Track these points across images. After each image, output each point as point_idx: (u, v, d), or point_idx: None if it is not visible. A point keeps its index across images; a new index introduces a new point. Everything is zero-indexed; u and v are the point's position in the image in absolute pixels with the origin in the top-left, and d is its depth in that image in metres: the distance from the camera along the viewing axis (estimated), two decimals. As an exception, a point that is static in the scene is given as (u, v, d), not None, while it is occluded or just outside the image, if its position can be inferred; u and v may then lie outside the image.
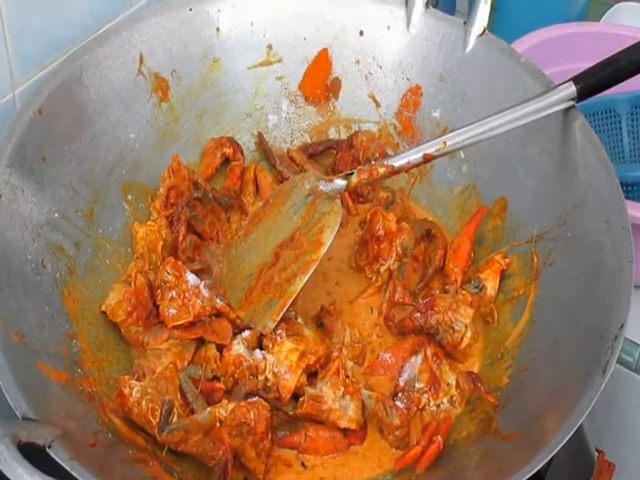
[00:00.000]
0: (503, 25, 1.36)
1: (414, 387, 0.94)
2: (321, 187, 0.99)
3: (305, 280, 0.95)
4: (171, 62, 1.09)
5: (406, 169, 0.98)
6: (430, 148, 0.96)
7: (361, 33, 1.15)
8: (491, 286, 1.01)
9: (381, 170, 0.97)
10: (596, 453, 1.06)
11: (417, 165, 0.98)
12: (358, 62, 1.16)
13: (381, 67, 1.15)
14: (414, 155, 0.97)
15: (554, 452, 0.75)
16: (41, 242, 0.91)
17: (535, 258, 0.98)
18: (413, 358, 0.95)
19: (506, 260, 1.02)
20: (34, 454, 0.68)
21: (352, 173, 0.98)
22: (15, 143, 0.91)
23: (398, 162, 0.97)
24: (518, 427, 0.83)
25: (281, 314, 0.95)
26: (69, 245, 0.95)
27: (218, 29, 1.12)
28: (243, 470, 0.87)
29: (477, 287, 1.01)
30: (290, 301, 0.95)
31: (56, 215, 0.94)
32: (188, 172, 1.07)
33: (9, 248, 0.86)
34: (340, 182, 0.99)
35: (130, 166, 1.06)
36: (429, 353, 0.94)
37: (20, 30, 0.97)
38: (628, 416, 1.21)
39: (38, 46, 1.01)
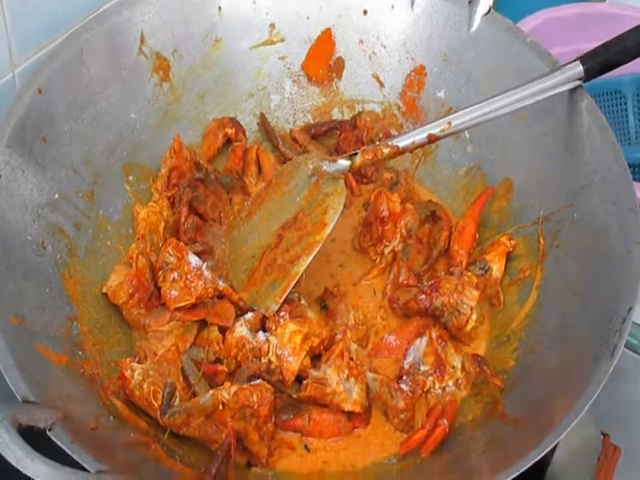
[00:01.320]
0: (507, 5, 1.34)
1: (419, 370, 0.93)
2: (324, 167, 0.98)
3: (308, 261, 0.94)
4: (172, 41, 1.08)
5: (410, 149, 0.97)
6: (435, 128, 0.95)
7: (365, 12, 1.13)
8: (497, 268, 1.00)
9: (385, 150, 0.96)
10: (602, 436, 1.05)
11: (422, 145, 0.97)
12: (362, 42, 1.15)
13: (385, 47, 1.14)
14: (418, 135, 0.96)
15: (561, 436, 0.74)
16: (41, 223, 0.90)
17: (541, 240, 0.98)
18: (418, 340, 0.95)
19: (512, 242, 1.01)
20: (34, 436, 0.67)
21: (356, 154, 0.97)
22: (15, 123, 0.90)
23: (402, 142, 0.96)
24: (525, 411, 0.83)
25: (284, 295, 0.94)
26: (69, 226, 0.94)
27: (220, 8, 1.10)
28: (246, 453, 0.86)
29: (482, 269, 1.00)
30: (293, 283, 0.94)
31: (56, 196, 0.93)
32: (190, 153, 1.06)
33: (9, 229, 0.85)
34: (344, 162, 0.98)
35: (131, 147, 1.05)
36: (434, 335, 0.94)
37: (19, 9, 0.96)
38: (634, 400, 1.20)
39: (38, 25, 1.00)
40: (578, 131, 0.96)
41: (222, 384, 0.87)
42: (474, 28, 1.08)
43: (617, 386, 1.14)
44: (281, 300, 0.94)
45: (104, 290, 0.94)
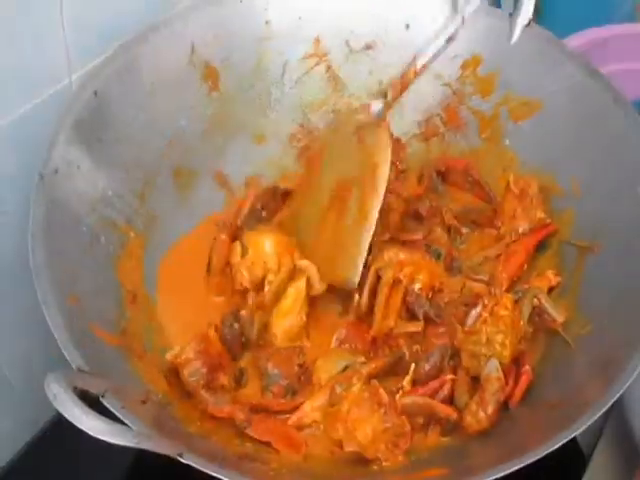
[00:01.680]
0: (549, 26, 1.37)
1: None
2: (361, 117, 0.99)
3: (374, 223, 0.94)
4: (222, 52, 1.12)
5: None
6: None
7: (407, 27, 1.16)
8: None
9: (412, 74, 0.99)
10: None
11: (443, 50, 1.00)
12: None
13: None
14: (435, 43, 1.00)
15: (594, 417, 0.75)
16: (95, 217, 0.94)
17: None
18: None
19: (557, 278, 1.00)
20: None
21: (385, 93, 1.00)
22: (72, 121, 0.94)
23: (423, 59, 1.00)
24: (561, 395, 0.84)
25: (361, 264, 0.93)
26: (122, 221, 0.98)
27: (267, 22, 1.14)
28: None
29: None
30: (367, 246, 0.94)
31: (110, 193, 0.97)
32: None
33: (66, 219, 0.89)
34: (377, 104, 1.00)
35: (181, 152, 1.08)
36: None
37: (78, 21, 1.00)
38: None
39: (95, 36, 1.04)
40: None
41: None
42: (514, 39, 1.10)
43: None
44: (360, 270, 0.93)
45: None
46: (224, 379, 0.89)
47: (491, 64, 1.12)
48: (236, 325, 0.93)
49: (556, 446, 0.73)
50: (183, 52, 1.08)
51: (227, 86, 1.13)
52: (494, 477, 0.71)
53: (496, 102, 1.13)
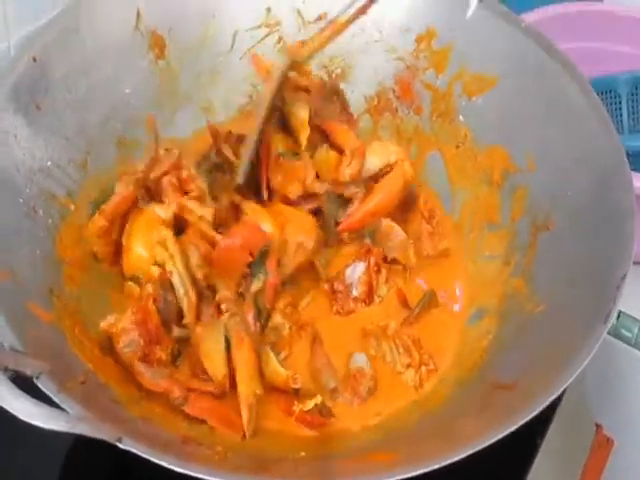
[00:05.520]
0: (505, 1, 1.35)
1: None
2: None
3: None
4: (168, 20, 1.08)
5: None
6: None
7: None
8: None
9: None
10: (595, 427, 1.05)
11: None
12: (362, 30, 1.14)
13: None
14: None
15: (550, 399, 0.74)
16: (34, 188, 0.90)
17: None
18: None
19: None
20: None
21: None
22: (8, 89, 0.90)
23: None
24: (516, 377, 0.82)
25: None
26: (62, 193, 0.93)
27: (216, -11, 1.11)
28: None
29: None
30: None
31: (49, 163, 0.93)
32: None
33: (1, 190, 0.85)
34: None
35: (125, 121, 1.04)
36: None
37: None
38: (627, 392, 1.19)
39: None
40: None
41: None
42: (470, 14, 1.08)
43: (611, 379, 1.14)
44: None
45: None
46: (161, 354, 0.86)
47: (445, 38, 1.10)
48: (171, 297, 0.89)
49: (508, 431, 0.71)
50: (128, 18, 1.04)
51: (174, 55, 1.10)
52: (443, 464, 0.69)
53: (450, 77, 1.10)
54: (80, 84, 0.99)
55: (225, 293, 0.90)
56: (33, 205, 0.88)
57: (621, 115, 1.42)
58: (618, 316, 1.12)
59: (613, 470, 1.04)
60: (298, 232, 0.95)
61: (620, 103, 1.42)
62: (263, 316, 0.92)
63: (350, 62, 1.15)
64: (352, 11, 0.96)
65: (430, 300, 0.98)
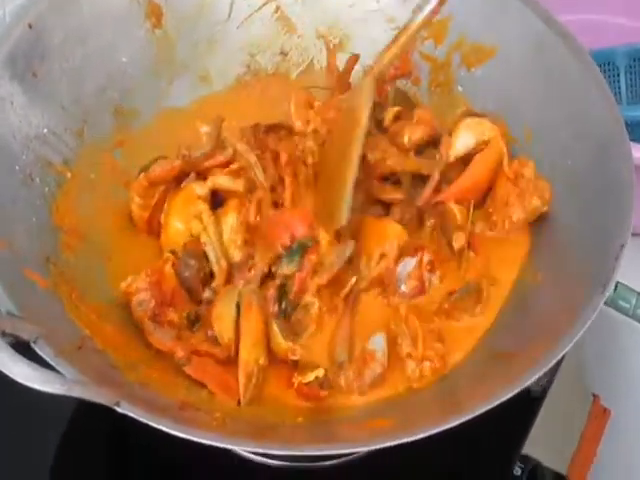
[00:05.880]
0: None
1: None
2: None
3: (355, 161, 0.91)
4: (165, -12, 1.07)
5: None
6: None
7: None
8: None
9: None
10: (592, 397, 1.05)
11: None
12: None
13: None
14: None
15: (546, 368, 0.74)
16: (30, 156, 0.89)
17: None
18: None
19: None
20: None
21: None
22: (4, 56, 0.90)
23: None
24: (515, 346, 0.82)
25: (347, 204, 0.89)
26: (58, 161, 0.93)
27: (211, -44, 1.10)
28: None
29: None
30: (351, 186, 0.90)
31: (45, 131, 0.92)
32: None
33: (-4, 156, 0.85)
34: None
35: (122, 90, 1.04)
36: None
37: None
38: (625, 363, 1.20)
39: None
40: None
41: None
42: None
43: (608, 350, 1.14)
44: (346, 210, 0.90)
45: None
46: (174, 316, 0.86)
47: (445, 8, 1.08)
48: (193, 262, 0.90)
49: (506, 397, 0.72)
50: (125, -15, 1.03)
51: (171, 24, 1.08)
52: (443, 428, 0.69)
53: (449, 47, 1.09)
54: (76, 52, 0.98)
55: (260, 264, 0.90)
56: (29, 172, 0.88)
57: (619, 87, 1.42)
58: (616, 287, 1.12)
59: (610, 439, 1.05)
60: (381, 242, 0.93)
61: (618, 75, 1.42)
62: (287, 302, 0.90)
63: (348, 32, 1.14)
64: (423, 15, 0.96)
65: (471, 293, 0.91)
